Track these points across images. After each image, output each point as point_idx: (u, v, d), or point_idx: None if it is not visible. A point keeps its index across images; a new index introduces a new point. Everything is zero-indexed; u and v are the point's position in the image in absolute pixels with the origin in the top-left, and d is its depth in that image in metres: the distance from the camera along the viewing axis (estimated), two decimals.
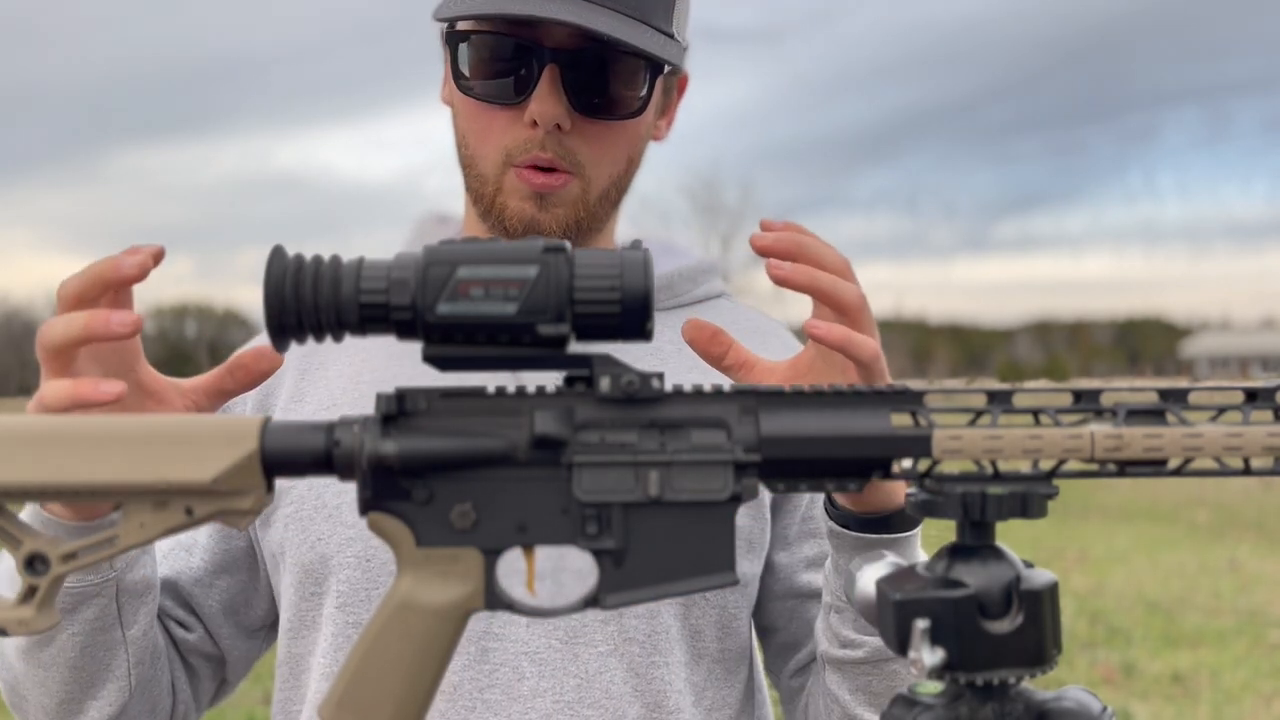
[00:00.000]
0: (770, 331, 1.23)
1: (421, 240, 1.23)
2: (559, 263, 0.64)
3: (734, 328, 1.18)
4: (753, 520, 1.12)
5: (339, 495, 1.05)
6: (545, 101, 1.04)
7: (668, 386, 0.68)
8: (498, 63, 1.06)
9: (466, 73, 1.08)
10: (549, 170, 1.07)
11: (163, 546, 1.13)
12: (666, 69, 1.10)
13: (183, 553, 1.13)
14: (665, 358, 1.14)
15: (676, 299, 1.19)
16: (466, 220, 1.20)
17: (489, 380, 0.70)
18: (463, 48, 1.08)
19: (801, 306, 0.92)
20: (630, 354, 1.11)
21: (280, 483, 1.06)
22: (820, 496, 1.17)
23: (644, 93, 1.08)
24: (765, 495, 1.15)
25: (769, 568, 1.17)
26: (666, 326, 1.14)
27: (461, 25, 1.08)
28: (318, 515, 1.06)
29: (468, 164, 1.12)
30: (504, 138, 1.07)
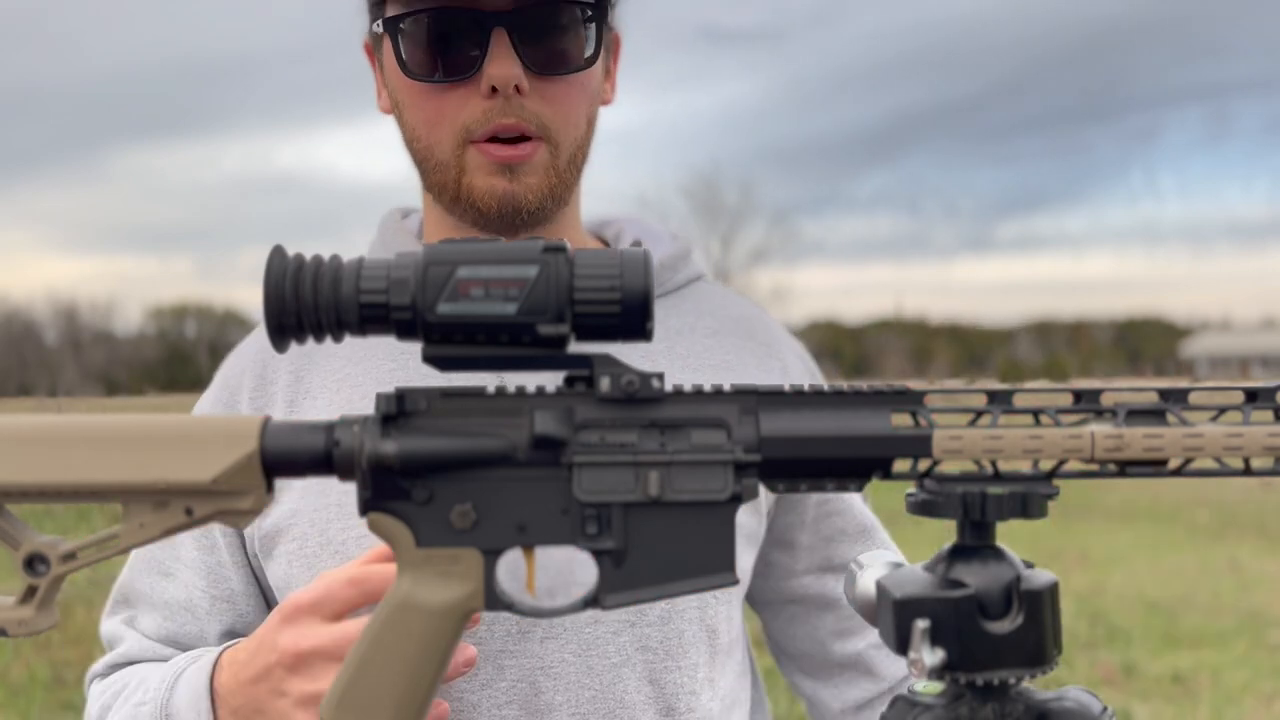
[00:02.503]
0: (755, 319, 1.21)
1: (386, 240, 1.18)
2: (559, 263, 0.64)
3: (719, 314, 1.18)
4: (751, 516, 1.12)
5: (344, 530, 1.02)
6: (501, 64, 1.01)
7: (668, 386, 0.68)
8: (443, 41, 1.03)
9: (410, 59, 1.05)
10: (513, 142, 1.04)
11: (165, 617, 1.10)
12: (608, 12, 1.08)
13: (186, 615, 1.10)
14: (654, 355, 1.11)
15: (660, 288, 1.16)
16: (428, 221, 1.16)
17: (489, 380, 0.70)
18: (402, 37, 1.05)
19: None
20: (622, 350, 1.09)
21: (279, 519, 1.05)
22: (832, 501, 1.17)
23: (592, 42, 1.06)
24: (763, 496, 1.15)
25: (768, 566, 1.18)
26: (655, 321, 1.12)
27: (394, 10, 1.05)
28: (323, 552, 1.03)
29: (423, 157, 1.08)
30: (460, 115, 1.04)
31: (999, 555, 0.68)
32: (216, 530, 1.09)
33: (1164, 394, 0.68)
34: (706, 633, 1.07)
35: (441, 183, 1.07)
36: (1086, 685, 0.72)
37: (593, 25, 1.05)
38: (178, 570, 1.10)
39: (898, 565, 0.74)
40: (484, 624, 1.01)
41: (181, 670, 0.99)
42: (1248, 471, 0.67)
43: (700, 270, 1.22)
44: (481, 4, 1.01)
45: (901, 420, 0.68)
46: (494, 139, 1.04)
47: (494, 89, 1.02)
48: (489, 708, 1.01)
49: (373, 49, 1.14)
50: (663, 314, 1.14)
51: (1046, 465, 0.67)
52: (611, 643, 1.03)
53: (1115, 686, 5.50)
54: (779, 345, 1.20)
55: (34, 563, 0.67)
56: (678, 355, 1.12)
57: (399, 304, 0.64)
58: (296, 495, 1.05)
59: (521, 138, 1.04)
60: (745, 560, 1.12)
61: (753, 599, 1.22)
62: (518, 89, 1.02)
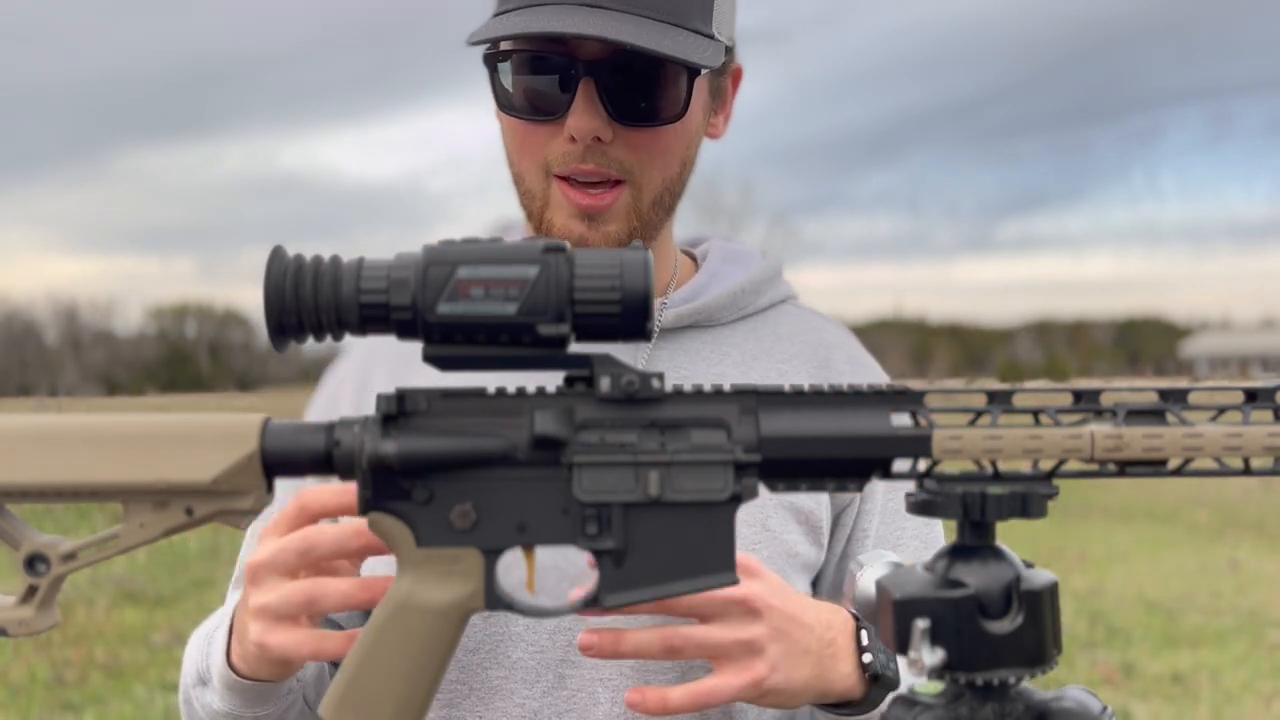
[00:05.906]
0: (836, 343, 1.21)
1: None
2: (559, 263, 0.64)
3: (797, 339, 1.18)
4: (811, 546, 1.11)
5: None
6: (582, 116, 1.03)
7: (668, 387, 0.68)
8: (534, 80, 1.06)
9: (506, 92, 1.08)
10: (594, 186, 1.05)
11: None
12: (706, 70, 1.07)
13: None
14: (728, 380, 1.10)
15: (741, 311, 1.17)
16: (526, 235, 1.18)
17: (490, 381, 0.70)
18: (501, 68, 1.07)
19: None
20: (694, 372, 1.11)
21: None
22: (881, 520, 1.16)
23: (684, 96, 1.06)
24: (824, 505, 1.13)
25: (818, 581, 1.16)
26: (732, 345, 1.14)
27: (498, 46, 1.07)
28: None
29: (516, 180, 1.11)
30: (544, 150, 1.06)
31: (999, 555, 0.68)
32: None
33: (1164, 394, 0.68)
34: None
35: (529, 209, 1.10)
36: (1086, 685, 0.72)
37: (688, 82, 1.05)
38: None
39: (898, 565, 0.74)
40: (545, 633, 1.02)
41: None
42: (1247, 471, 0.67)
43: (788, 292, 1.23)
44: (577, 53, 1.03)
45: (901, 420, 0.68)
46: (572, 178, 1.05)
47: (574, 138, 1.03)
48: (550, 715, 1.02)
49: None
50: (740, 338, 1.15)
51: (1046, 465, 0.67)
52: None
53: (1115, 686, 5.50)
54: (855, 375, 1.18)
55: (34, 563, 0.67)
56: (752, 382, 1.12)
57: (399, 304, 0.64)
58: None
59: (602, 181, 1.05)
60: (800, 586, 1.11)
61: None
62: (599, 139, 1.04)
